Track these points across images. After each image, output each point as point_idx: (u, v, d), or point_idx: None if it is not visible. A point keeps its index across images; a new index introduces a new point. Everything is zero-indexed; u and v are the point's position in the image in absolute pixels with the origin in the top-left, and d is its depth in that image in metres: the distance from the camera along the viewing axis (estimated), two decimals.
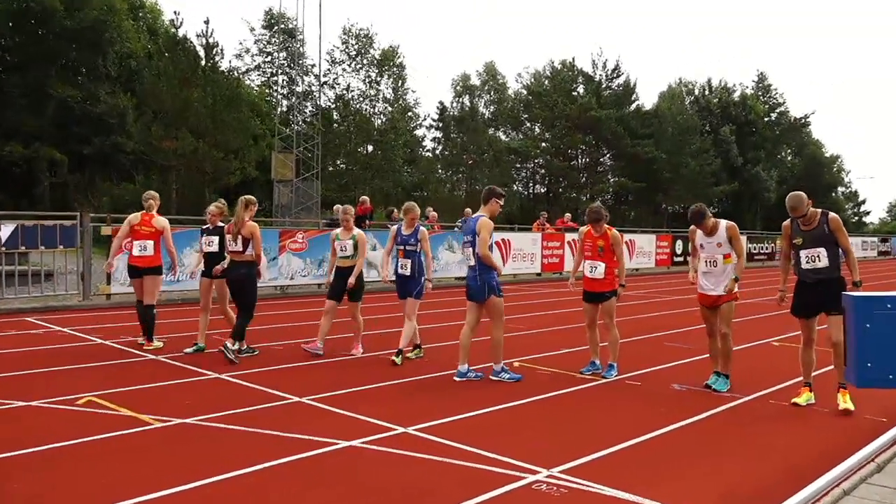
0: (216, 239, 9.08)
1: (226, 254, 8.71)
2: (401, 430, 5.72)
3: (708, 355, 7.74)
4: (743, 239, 7.60)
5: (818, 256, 6.58)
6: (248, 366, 8.09)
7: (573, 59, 52.58)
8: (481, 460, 5.03)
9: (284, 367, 8.16)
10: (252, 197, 8.94)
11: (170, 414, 6.00)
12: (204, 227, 9.35)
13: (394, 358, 8.40)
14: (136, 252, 9.17)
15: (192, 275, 9.58)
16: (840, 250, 6.65)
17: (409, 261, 8.59)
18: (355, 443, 5.35)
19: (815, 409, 6.74)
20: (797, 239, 6.73)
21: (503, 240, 21.29)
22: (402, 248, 8.66)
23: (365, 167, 42.04)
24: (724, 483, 4.79)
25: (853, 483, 4.83)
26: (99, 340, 9.59)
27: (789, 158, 65.00)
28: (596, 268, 7.86)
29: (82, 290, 13.63)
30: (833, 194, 68.73)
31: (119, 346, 9.17)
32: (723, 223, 7.29)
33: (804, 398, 6.86)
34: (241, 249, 8.50)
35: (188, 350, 8.93)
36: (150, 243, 9.16)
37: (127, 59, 34.52)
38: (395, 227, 8.91)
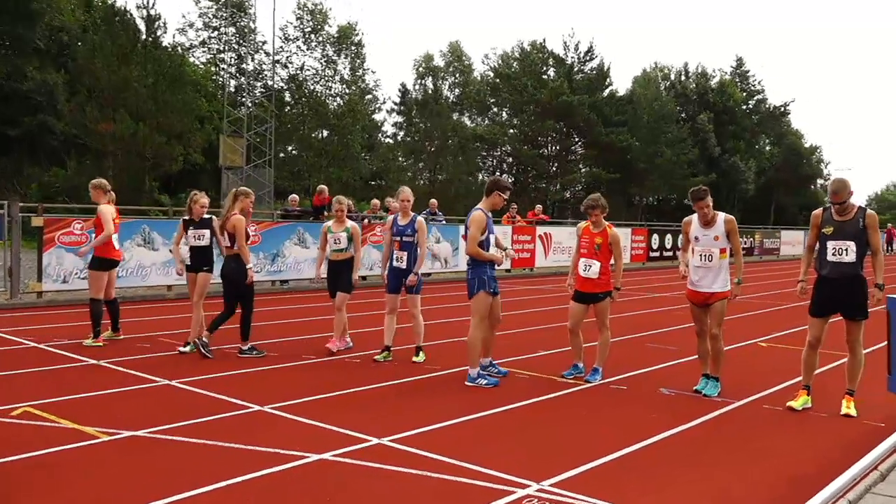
0: (207, 232, 9.24)
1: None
2: (375, 440, 5.63)
3: (696, 357, 7.79)
4: None
5: (846, 250, 6.59)
6: (200, 371, 7.90)
7: (544, 40, 53.16)
8: (465, 473, 4.96)
9: (241, 371, 7.99)
10: (245, 188, 9.10)
11: (117, 426, 5.81)
12: (185, 218, 9.42)
13: (414, 358, 8.65)
14: (116, 245, 9.51)
15: (178, 272, 9.65)
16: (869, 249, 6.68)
17: (406, 253, 8.62)
18: (325, 456, 5.24)
19: (811, 413, 6.82)
20: (827, 228, 6.71)
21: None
22: (398, 239, 8.67)
23: (320, 154, 41.68)
24: (722, 494, 4.80)
25: (858, 493, 4.89)
26: (32, 343, 9.28)
27: (768, 148, 66.27)
28: (590, 267, 7.83)
29: (10, 287, 13.20)
30: (812, 187, 70.30)
31: (55, 350, 8.88)
32: (721, 215, 7.32)
33: (801, 402, 6.93)
34: (229, 244, 8.79)
35: (183, 349, 8.96)
36: (116, 235, 9.51)
37: (59, 33, 33.60)
38: (391, 217, 8.95)
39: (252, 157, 29.28)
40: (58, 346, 9.14)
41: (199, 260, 9.23)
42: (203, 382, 7.40)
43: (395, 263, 8.70)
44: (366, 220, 18.19)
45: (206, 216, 9.34)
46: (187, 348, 8.90)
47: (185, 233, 9.37)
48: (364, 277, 16.29)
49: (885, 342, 10.55)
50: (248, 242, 8.84)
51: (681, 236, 7.80)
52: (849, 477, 5.10)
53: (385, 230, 8.91)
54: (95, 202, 9.45)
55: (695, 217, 7.41)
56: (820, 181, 71.86)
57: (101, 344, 9.16)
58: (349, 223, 9.24)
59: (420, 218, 8.76)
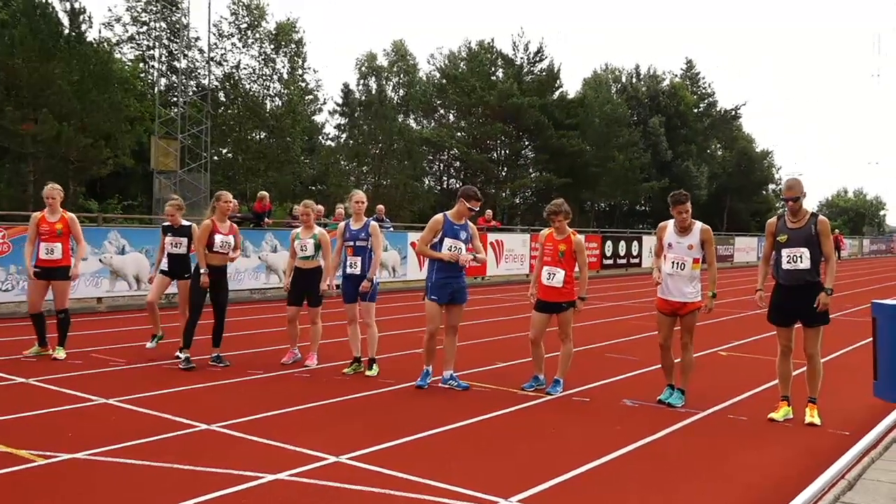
0: (185, 240, 9.57)
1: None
2: (332, 459, 5.60)
3: (659, 367, 7.93)
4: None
5: (800, 257, 6.85)
6: (139, 388, 7.73)
7: (492, 39, 53.39)
8: (429, 491, 4.98)
9: (184, 388, 7.86)
10: (219, 192, 9.24)
11: (53, 448, 5.66)
12: (164, 224, 9.73)
13: (367, 372, 8.64)
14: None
15: (149, 280, 9.86)
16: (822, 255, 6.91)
17: (360, 258, 8.65)
18: (281, 476, 5.19)
19: (777, 423, 7.01)
20: (781, 236, 6.97)
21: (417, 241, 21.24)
22: (350, 244, 8.68)
23: (257, 157, 41.18)
24: None
25: (827, 503, 5.05)
26: None
27: (719, 153, 67.91)
28: (554, 275, 7.90)
29: None
30: (764, 192, 72.23)
31: None
32: (698, 224, 7.47)
33: (782, 413, 7.10)
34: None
35: (150, 345, 9.59)
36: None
37: None
38: (343, 223, 8.97)
39: (186, 160, 28.75)
40: None
41: (178, 267, 9.62)
42: (143, 400, 7.25)
43: (348, 270, 8.68)
44: None
45: (185, 223, 9.64)
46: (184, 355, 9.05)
47: (163, 239, 9.67)
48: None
49: (846, 349, 10.95)
50: (234, 250, 9.12)
51: (654, 242, 7.94)
52: (818, 487, 5.27)
53: (337, 236, 8.91)
54: (52, 211, 9.27)
55: (670, 223, 7.55)
56: (772, 186, 73.89)
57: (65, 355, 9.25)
58: (317, 229, 9.27)
59: (374, 222, 8.80)
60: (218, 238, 8.85)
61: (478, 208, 8.15)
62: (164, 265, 9.70)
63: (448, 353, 8.21)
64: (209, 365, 8.90)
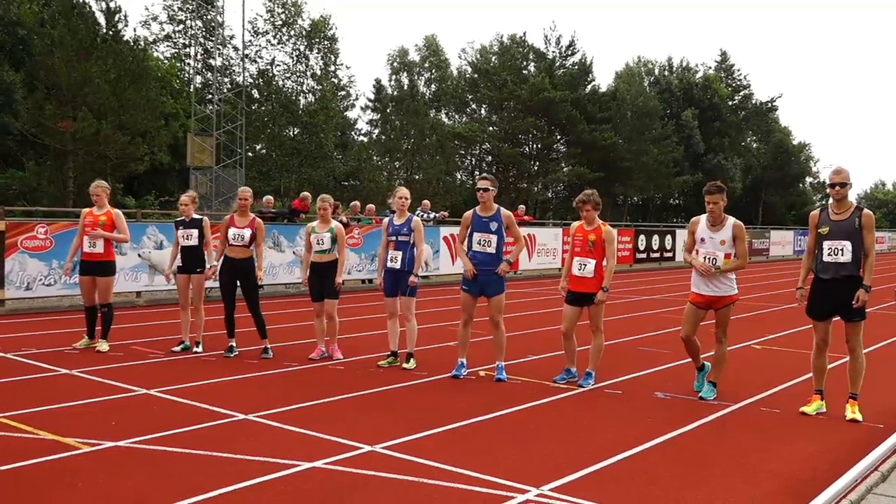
0: (195, 232, 9.54)
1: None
2: (367, 448, 5.72)
3: (689, 359, 7.96)
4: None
5: (842, 250, 6.77)
6: (179, 379, 7.93)
7: (524, 33, 53.47)
8: (462, 479, 5.07)
9: (222, 380, 8.04)
10: (240, 189, 9.61)
11: (98, 436, 5.85)
12: (178, 219, 9.75)
13: (404, 365, 8.75)
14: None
15: (166, 277, 10.13)
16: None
17: (401, 253, 8.74)
18: (317, 464, 5.32)
19: (809, 416, 6.99)
20: (823, 228, 6.89)
21: (450, 236, 21.19)
22: (393, 238, 8.79)
23: (291, 153, 41.58)
24: (722, 498, 4.94)
25: (859, 494, 5.07)
26: None
27: (755, 146, 67.03)
28: (585, 265, 7.95)
29: None
30: (801, 185, 71.18)
31: (24, 360, 8.86)
32: (730, 219, 7.43)
33: (814, 407, 7.07)
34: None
35: (175, 349, 9.53)
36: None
37: (14, 27, 33.22)
38: (387, 218, 9.09)
39: (222, 156, 29.16)
40: (27, 355, 9.11)
41: (190, 259, 9.59)
42: (182, 391, 7.44)
43: (389, 264, 8.79)
44: (342, 220, 18.24)
45: (196, 216, 9.63)
46: (179, 348, 9.54)
47: (177, 234, 9.69)
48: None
49: (883, 343, 10.84)
50: (218, 246, 9.47)
51: (686, 236, 7.92)
52: (850, 478, 5.28)
53: (382, 231, 9.11)
54: (99, 206, 9.53)
55: (703, 217, 7.54)
56: (809, 179, 72.78)
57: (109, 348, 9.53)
58: (334, 223, 9.34)
59: (416, 217, 8.92)
60: (231, 231, 9.25)
61: (486, 186, 8.17)
62: (179, 261, 9.67)
63: (494, 345, 8.41)
64: (260, 357, 9.20)
